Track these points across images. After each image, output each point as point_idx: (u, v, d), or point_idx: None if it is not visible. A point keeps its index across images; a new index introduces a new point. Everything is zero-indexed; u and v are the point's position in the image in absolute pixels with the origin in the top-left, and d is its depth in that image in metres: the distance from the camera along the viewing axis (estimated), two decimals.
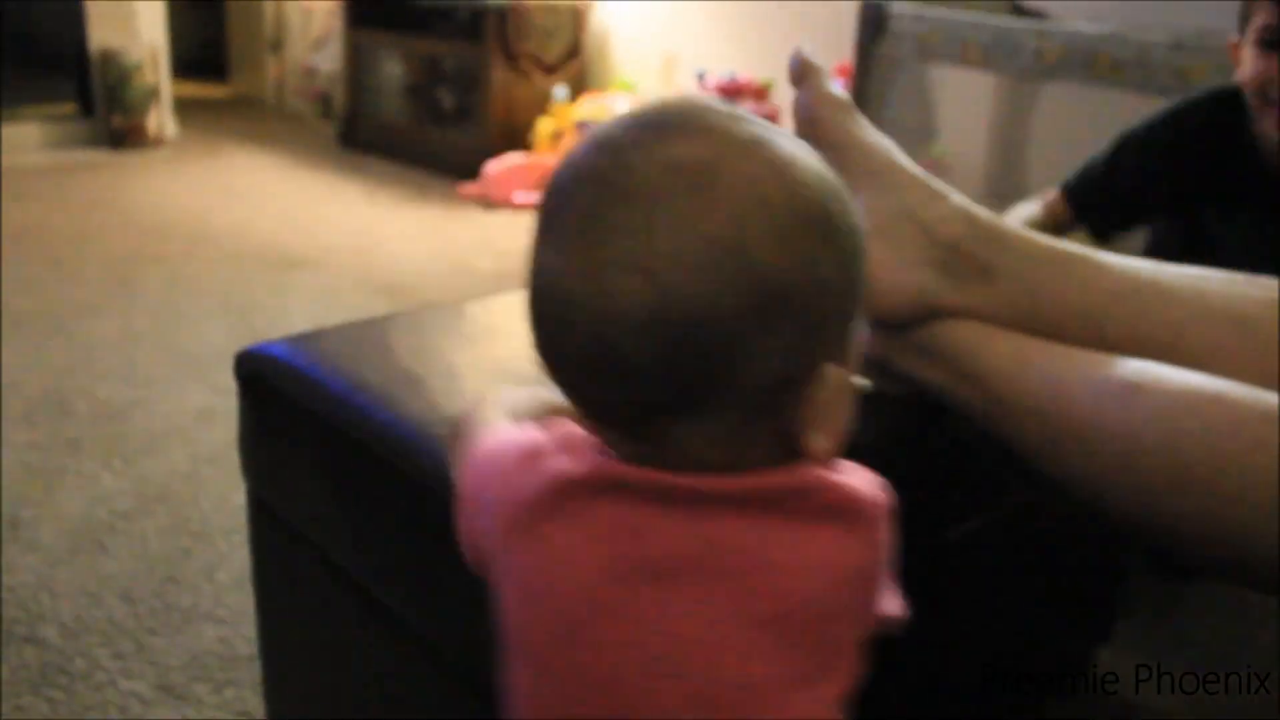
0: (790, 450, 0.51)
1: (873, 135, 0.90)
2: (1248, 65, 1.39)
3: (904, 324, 0.85)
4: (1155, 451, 0.70)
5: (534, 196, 3.68)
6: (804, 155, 0.52)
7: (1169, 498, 0.70)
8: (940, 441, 0.89)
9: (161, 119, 4.40)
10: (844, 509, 0.51)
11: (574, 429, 0.55)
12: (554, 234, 0.50)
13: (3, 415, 1.95)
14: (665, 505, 0.49)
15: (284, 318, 2.55)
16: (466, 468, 0.59)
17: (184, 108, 4.78)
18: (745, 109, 0.53)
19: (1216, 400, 0.70)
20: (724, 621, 0.48)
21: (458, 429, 0.65)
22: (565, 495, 0.51)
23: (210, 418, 1.98)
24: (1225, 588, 1.31)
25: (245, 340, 2.31)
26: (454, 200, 3.78)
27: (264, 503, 0.99)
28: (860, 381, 0.56)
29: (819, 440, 0.50)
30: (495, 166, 3.74)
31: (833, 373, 0.50)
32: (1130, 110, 2.52)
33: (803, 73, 0.90)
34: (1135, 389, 0.73)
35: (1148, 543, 0.77)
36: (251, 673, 1.30)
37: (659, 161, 0.47)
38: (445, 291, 2.80)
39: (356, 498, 0.84)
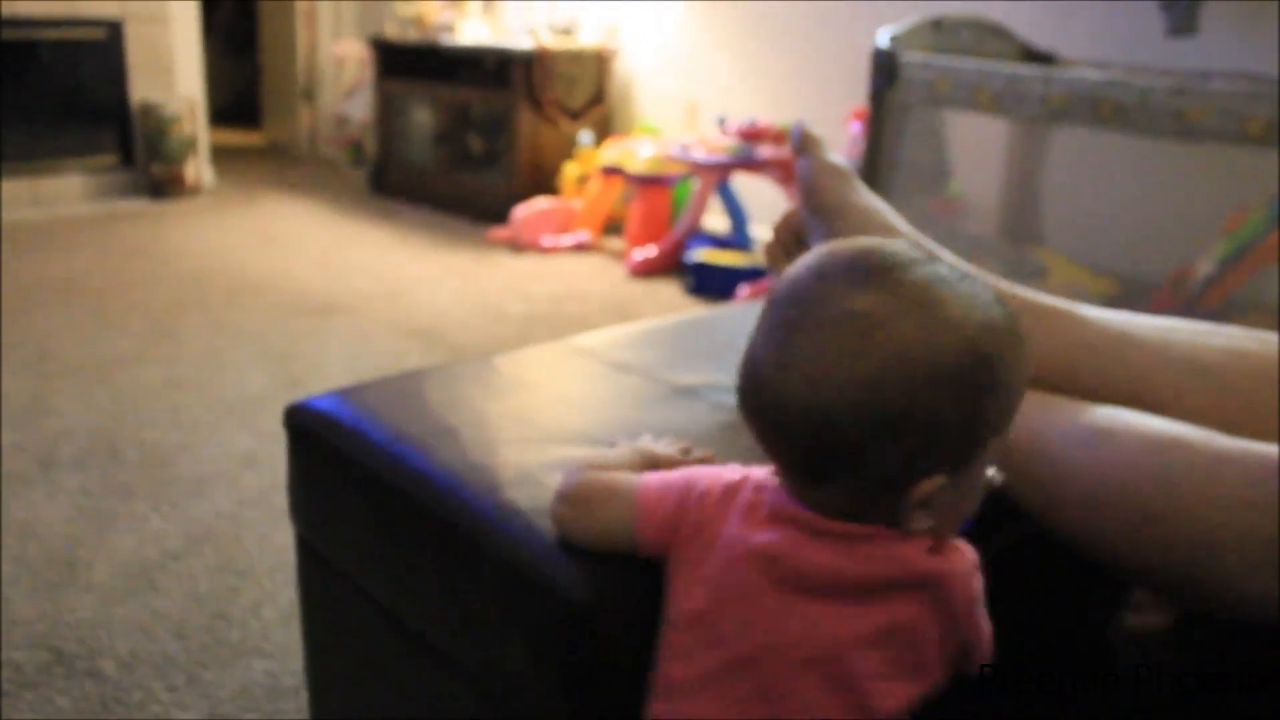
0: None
1: (868, 199, 0.98)
2: None
3: None
4: (1120, 492, 0.77)
5: (562, 240, 3.77)
6: (965, 315, 0.65)
7: (1129, 536, 0.76)
8: None
9: (199, 168, 4.54)
10: (900, 578, 0.67)
11: (765, 476, 0.73)
12: (766, 327, 0.68)
13: (56, 461, 2.05)
14: (813, 536, 0.67)
15: (321, 363, 2.64)
16: (663, 489, 0.74)
17: (220, 156, 4.92)
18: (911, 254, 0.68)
19: (1175, 444, 0.76)
20: (847, 630, 0.66)
21: (574, 492, 0.77)
22: (752, 517, 0.70)
23: (253, 462, 2.07)
24: None
25: (285, 386, 2.44)
26: (483, 244, 3.88)
27: (311, 545, 1.07)
28: (991, 476, 0.70)
29: (917, 522, 0.67)
30: (523, 211, 3.84)
31: (936, 482, 0.65)
32: (1137, 151, 2.60)
33: (804, 144, 0.99)
34: (1103, 434, 0.80)
35: (1117, 577, 0.83)
36: (298, 704, 1.38)
37: (844, 308, 0.64)
38: (476, 335, 2.89)
39: (397, 539, 0.91)
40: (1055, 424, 0.83)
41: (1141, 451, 0.77)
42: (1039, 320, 0.90)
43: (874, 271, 0.65)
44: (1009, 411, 0.67)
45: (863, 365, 0.63)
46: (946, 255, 0.94)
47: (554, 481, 0.83)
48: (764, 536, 0.68)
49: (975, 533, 0.72)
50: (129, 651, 1.49)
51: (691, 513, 0.71)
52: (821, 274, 0.67)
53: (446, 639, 0.87)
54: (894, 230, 0.95)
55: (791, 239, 1.04)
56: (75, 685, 1.42)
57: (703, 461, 0.82)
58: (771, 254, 1.05)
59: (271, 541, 1.77)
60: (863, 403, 0.62)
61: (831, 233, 0.96)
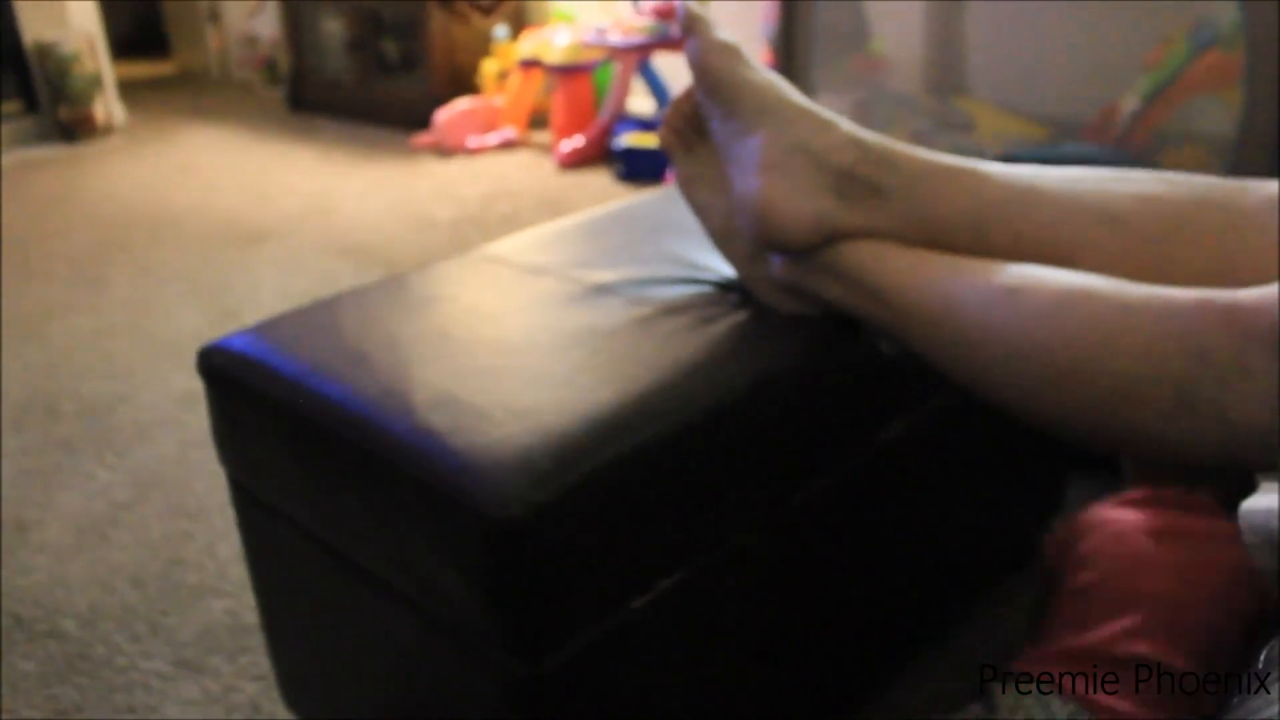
0: None
1: (761, 74, 0.95)
2: None
3: (808, 249, 0.91)
4: (1033, 349, 0.76)
5: (487, 139, 3.70)
6: None
7: (1049, 393, 0.76)
8: (857, 354, 0.95)
9: (109, 106, 4.39)
10: None
11: None
12: None
13: None
14: None
15: (253, 294, 2.59)
16: None
17: (130, 90, 4.76)
18: None
19: (1085, 297, 0.76)
20: None
21: None
22: None
23: (193, 402, 2.04)
24: None
25: (218, 321, 2.40)
26: (408, 152, 3.80)
27: (242, 485, 1.06)
28: None
29: None
30: (445, 114, 3.76)
31: None
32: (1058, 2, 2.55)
33: (689, 24, 0.96)
34: (1014, 292, 0.79)
35: (1047, 434, 0.83)
36: (260, 639, 1.38)
37: None
38: (408, 246, 2.84)
39: (320, 472, 0.90)
40: (968, 286, 0.83)
41: (1053, 307, 0.77)
42: (944, 182, 0.89)
43: None
44: None
45: None
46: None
47: (471, 399, 0.82)
48: None
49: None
50: (88, 607, 1.48)
51: None
52: None
53: (381, 566, 0.87)
54: (789, 104, 0.92)
55: (687, 125, 1.01)
56: (38, 648, 1.41)
57: None
58: (666, 143, 1.03)
59: (219, 480, 1.76)
60: None
61: (728, 113, 0.94)
